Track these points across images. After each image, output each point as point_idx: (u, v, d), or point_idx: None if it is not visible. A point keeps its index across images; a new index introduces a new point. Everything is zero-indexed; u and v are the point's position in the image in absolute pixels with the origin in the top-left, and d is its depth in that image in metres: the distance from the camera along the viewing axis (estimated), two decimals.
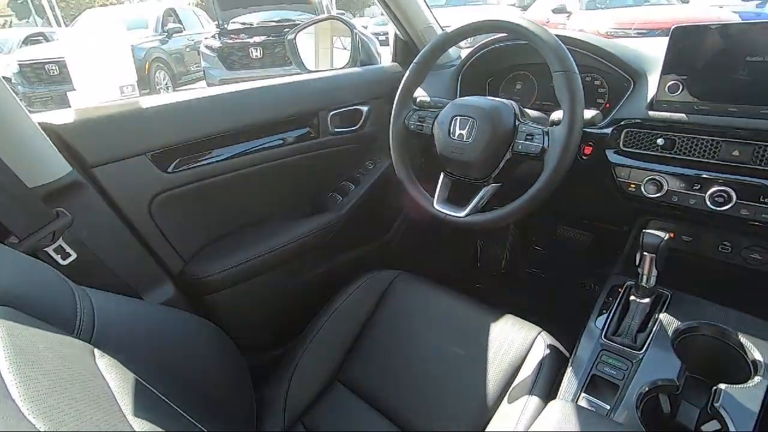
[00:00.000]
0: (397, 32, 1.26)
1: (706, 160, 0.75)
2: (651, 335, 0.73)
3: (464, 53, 1.25)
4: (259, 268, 1.04)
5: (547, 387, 0.75)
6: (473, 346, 0.86)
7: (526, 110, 0.88)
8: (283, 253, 1.06)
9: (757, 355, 0.67)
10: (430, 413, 0.79)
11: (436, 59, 0.94)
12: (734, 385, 0.64)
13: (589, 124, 0.80)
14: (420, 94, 1.03)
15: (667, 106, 0.77)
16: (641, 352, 0.71)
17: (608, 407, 0.67)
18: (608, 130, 0.85)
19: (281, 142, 1.10)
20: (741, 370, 0.67)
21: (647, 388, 0.66)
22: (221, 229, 1.07)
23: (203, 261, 0.99)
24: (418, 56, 0.93)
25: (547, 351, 0.80)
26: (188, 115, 0.95)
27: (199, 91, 1.02)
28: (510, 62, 1.13)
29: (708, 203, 0.74)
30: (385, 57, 1.38)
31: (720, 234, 0.83)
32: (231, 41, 5.50)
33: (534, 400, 0.73)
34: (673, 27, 0.74)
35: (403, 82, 0.96)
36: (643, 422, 0.64)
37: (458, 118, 0.85)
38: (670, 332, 0.72)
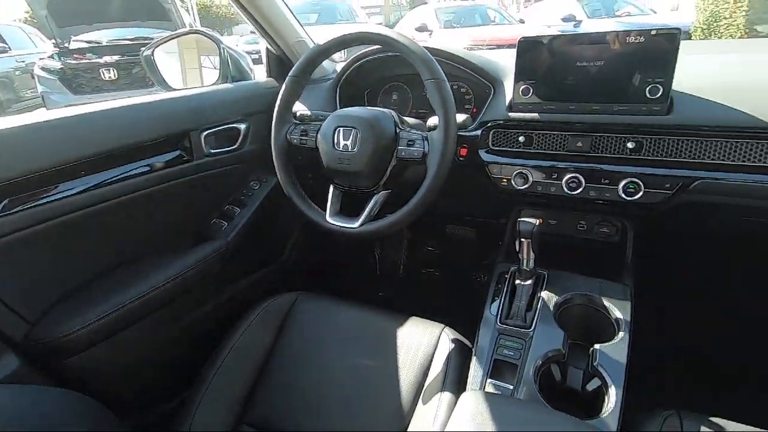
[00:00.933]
0: (269, 47, 1.22)
1: (558, 152, 0.86)
2: (537, 313, 0.81)
3: (339, 67, 1.26)
4: (133, 316, 0.89)
5: (456, 381, 0.78)
6: (383, 355, 0.85)
7: (405, 118, 0.92)
8: (163, 293, 0.94)
9: (618, 314, 0.78)
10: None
11: (312, 72, 0.93)
12: (605, 344, 0.74)
13: (461, 127, 0.86)
14: (300, 108, 1.01)
15: (522, 107, 0.87)
16: (531, 329, 0.78)
17: (511, 387, 0.72)
18: (478, 132, 0.93)
19: (148, 168, 0.97)
20: (609, 329, 0.78)
21: (540, 362, 0.73)
22: (79, 277, 0.90)
23: (57, 319, 0.81)
24: (293, 69, 0.91)
25: (452, 346, 0.83)
26: (21, 144, 0.78)
27: (35, 115, 0.85)
28: (385, 74, 1.18)
29: (565, 189, 0.85)
30: (261, 75, 1.33)
31: (577, 215, 0.97)
32: (75, 62, 4.79)
33: (446, 396, 0.75)
34: (519, 39, 0.85)
35: (280, 96, 0.93)
36: (541, 393, 0.70)
37: (341, 129, 0.85)
38: (551, 307, 0.81)
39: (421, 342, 0.85)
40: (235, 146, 1.14)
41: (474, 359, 0.77)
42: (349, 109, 0.90)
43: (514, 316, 0.81)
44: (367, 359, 0.86)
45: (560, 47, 0.81)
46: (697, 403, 0.70)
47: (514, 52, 0.86)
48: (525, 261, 0.82)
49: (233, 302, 1.16)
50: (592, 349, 0.74)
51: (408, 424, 0.76)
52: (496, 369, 0.75)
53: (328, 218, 0.89)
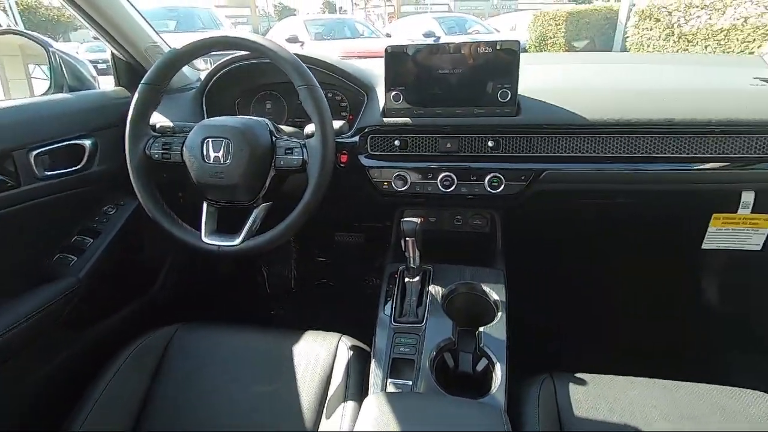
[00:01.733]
0: (115, 53, 1.08)
1: (431, 154, 0.92)
2: (426, 307, 0.84)
3: (204, 75, 1.17)
4: None
5: (358, 387, 0.77)
6: (279, 376, 0.81)
7: (281, 127, 0.89)
8: None
9: (495, 296, 0.86)
10: None
11: (169, 78, 0.84)
12: (488, 325, 0.81)
13: (339, 134, 0.86)
14: (159, 119, 0.91)
15: (395, 113, 0.91)
16: (423, 324, 0.82)
17: (410, 382, 0.74)
18: (356, 138, 0.94)
19: None
20: (490, 311, 0.85)
21: (434, 353, 0.76)
22: None
23: None
24: (146, 76, 0.81)
25: (351, 353, 0.82)
26: None
27: None
28: (257, 82, 1.12)
29: (440, 187, 0.91)
30: (108, 85, 1.16)
31: (453, 211, 1.04)
32: None
33: (350, 405, 0.73)
34: (385, 48, 0.88)
35: (132, 106, 0.82)
36: (438, 382, 0.73)
37: (210, 139, 0.78)
38: (439, 299, 0.85)
39: (319, 355, 0.83)
40: (79, 166, 0.97)
41: (373, 362, 0.78)
42: (218, 118, 0.83)
43: (406, 313, 0.84)
44: (263, 384, 0.81)
45: (423, 56, 0.87)
46: (568, 365, 0.80)
47: (383, 61, 0.90)
48: (411, 259, 0.85)
49: (96, 348, 0.99)
50: (477, 332, 0.80)
51: None
52: (395, 367, 0.77)
53: (203, 238, 0.81)
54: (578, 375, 0.77)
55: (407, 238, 0.82)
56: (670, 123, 0.83)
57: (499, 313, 0.83)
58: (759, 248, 0.96)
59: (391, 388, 0.74)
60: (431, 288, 0.88)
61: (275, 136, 0.82)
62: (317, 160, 0.76)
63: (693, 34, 7.12)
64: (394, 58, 0.88)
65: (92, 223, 1.01)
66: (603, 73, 1.09)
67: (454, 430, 0.55)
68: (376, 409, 0.56)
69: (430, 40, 7.35)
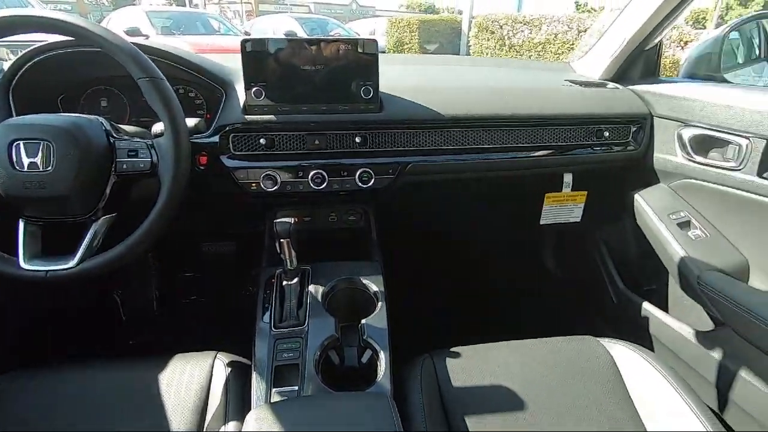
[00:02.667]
0: None
1: (300, 152, 0.90)
2: (307, 308, 0.82)
3: (7, 66, 0.95)
4: None
5: (240, 405, 0.71)
6: (146, 410, 0.70)
7: (121, 126, 0.77)
8: None
9: (374, 288, 0.88)
10: None
11: None
12: (369, 317, 0.82)
13: (195, 132, 0.79)
14: None
15: (258, 110, 0.87)
16: (305, 325, 0.79)
17: (296, 387, 0.71)
18: (216, 138, 0.87)
19: None
20: (371, 303, 0.87)
21: (319, 353, 0.75)
22: None
23: None
24: None
25: (229, 370, 0.76)
26: None
27: None
28: (85, 75, 0.95)
29: (312, 185, 0.89)
30: None
31: (327, 209, 1.04)
32: None
33: (231, 426, 0.68)
34: (241, 40, 0.83)
35: None
36: (326, 382, 0.72)
37: (22, 143, 0.63)
38: (319, 298, 0.84)
39: (191, 379, 0.74)
40: None
41: (254, 375, 0.73)
42: (32, 116, 0.68)
43: (286, 317, 0.81)
44: (126, 424, 0.69)
45: (285, 52, 0.84)
46: (446, 342, 0.86)
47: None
48: (288, 261, 0.82)
49: None
50: (360, 325, 0.81)
51: None
52: (279, 376, 0.73)
53: (23, 264, 0.66)
54: (453, 349, 0.84)
55: (282, 240, 0.79)
56: (511, 117, 0.95)
57: (379, 304, 0.85)
58: (579, 220, 1.17)
59: (275, 398, 0.70)
60: (311, 288, 0.86)
61: (113, 137, 0.70)
62: (169, 161, 0.68)
63: (520, 46, 8.38)
64: (254, 52, 0.83)
65: None
66: (453, 73, 1.20)
67: (342, 425, 0.54)
68: (255, 424, 0.52)
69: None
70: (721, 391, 0.88)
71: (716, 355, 0.88)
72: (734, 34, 1.19)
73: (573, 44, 7.33)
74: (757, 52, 1.31)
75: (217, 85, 0.93)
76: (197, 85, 0.96)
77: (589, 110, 1.00)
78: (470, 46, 9.18)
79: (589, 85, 1.09)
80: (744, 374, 0.83)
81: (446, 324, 1.26)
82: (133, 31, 5.34)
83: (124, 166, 0.69)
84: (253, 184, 0.89)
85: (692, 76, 1.10)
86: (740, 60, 1.28)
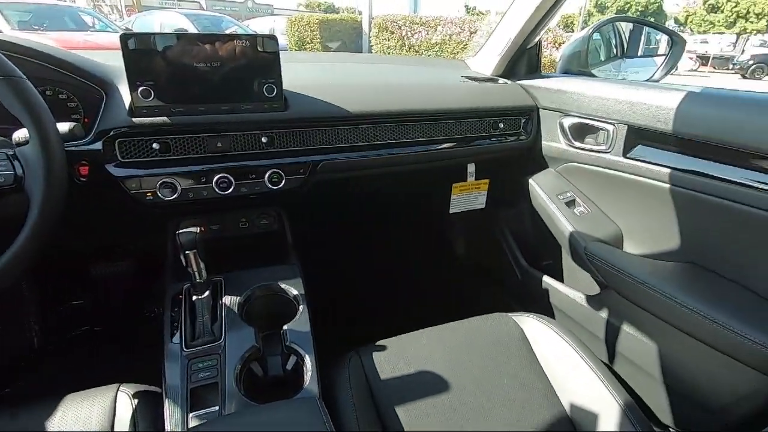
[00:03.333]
0: None
1: (201, 155, 0.83)
2: (223, 321, 0.77)
3: None
4: None
5: None
6: None
7: None
8: None
9: (294, 291, 0.85)
10: None
11: None
12: (291, 322, 0.80)
13: (70, 139, 0.69)
14: None
15: (147, 112, 0.79)
16: (222, 340, 0.74)
17: (217, 407, 0.66)
18: (99, 145, 0.77)
19: None
20: (292, 307, 0.84)
21: (239, 366, 0.71)
22: None
23: None
24: None
25: (136, 401, 0.68)
26: None
27: None
28: None
29: (217, 191, 0.83)
30: None
31: (237, 214, 0.98)
32: None
33: None
34: (120, 35, 0.74)
35: None
36: (250, 396, 0.68)
37: None
38: (235, 309, 0.79)
39: (90, 418, 0.65)
40: None
41: (166, 402, 0.66)
42: None
43: (200, 334, 0.75)
44: None
45: (174, 48, 0.77)
46: (372, 336, 0.87)
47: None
48: (196, 274, 0.76)
49: None
50: (282, 331, 0.78)
51: None
52: (196, 398, 0.67)
53: None
54: (378, 343, 0.85)
55: (187, 252, 0.73)
56: (415, 112, 0.99)
57: (301, 307, 0.83)
58: (483, 206, 1.26)
59: (194, 423, 0.64)
60: (225, 300, 0.81)
61: None
62: (39, 172, 0.59)
63: (419, 45, 8.75)
64: (135, 47, 0.75)
65: None
66: (358, 70, 1.21)
67: None
68: None
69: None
70: (609, 344, 1.01)
71: (603, 314, 1.01)
72: (596, 35, 1.37)
73: (467, 44, 7.85)
74: (615, 50, 1.53)
75: (95, 85, 0.83)
76: (69, 85, 0.84)
77: (485, 104, 1.08)
78: (372, 45, 9.35)
79: (483, 81, 1.18)
80: (625, 328, 0.96)
81: (370, 319, 1.27)
82: None
83: None
84: (149, 194, 0.80)
85: (567, 71, 1.24)
86: (602, 57, 1.48)
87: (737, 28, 23.21)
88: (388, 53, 8.91)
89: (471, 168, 1.16)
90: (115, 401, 0.68)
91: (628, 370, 0.98)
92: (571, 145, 1.09)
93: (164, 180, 0.80)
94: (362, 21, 10.49)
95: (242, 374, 0.71)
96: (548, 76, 1.19)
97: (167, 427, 0.64)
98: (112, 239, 1.09)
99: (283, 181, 0.88)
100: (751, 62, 17.16)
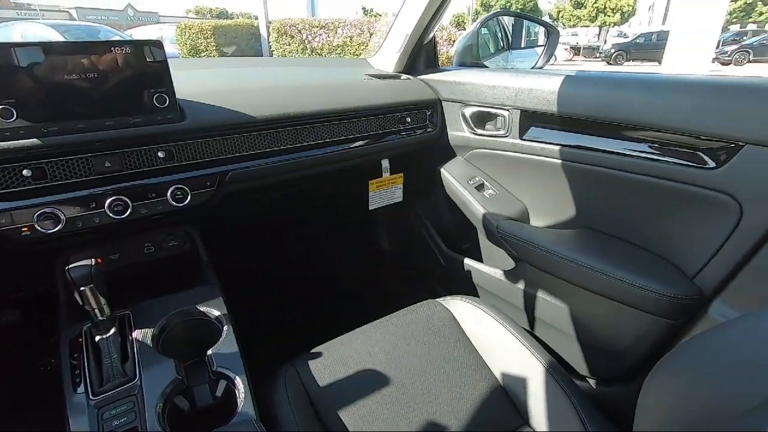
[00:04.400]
0: None
1: (87, 178, 0.74)
2: (136, 358, 0.70)
3: None
4: None
5: None
6: None
7: None
8: None
9: (216, 312, 0.80)
10: None
11: None
12: (216, 344, 0.74)
13: None
14: None
15: (11, 134, 0.68)
16: (137, 378, 0.67)
17: None
18: None
19: None
20: (215, 330, 0.78)
21: (161, 404, 0.64)
22: None
23: None
24: None
25: None
26: None
27: None
28: None
29: (111, 216, 0.75)
30: None
31: (140, 239, 0.89)
32: None
33: None
34: None
35: None
36: None
37: None
38: (149, 342, 0.72)
39: None
40: None
41: None
42: None
43: (109, 378, 0.66)
44: None
45: (38, 60, 0.67)
46: (306, 347, 0.84)
47: None
48: (96, 311, 0.67)
49: None
50: (206, 357, 0.72)
51: None
52: None
53: None
54: (314, 350, 0.83)
55: (82, 288, 0.64)
56: (321, 113, 0.97)
57: (225, 327, 0.78)
58: (401, 199, 1.29)
59: None
60: (136, 334, 0.73)
61: None
62: None
63: (321, 48, 8.71)
64: None
65: None
66: (256, 74, 1.16)
67: None
68: None
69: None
70: (529, 313, 1.10)
71: (520, 286, 1.09)
72: (484, 30, 1.47)
73: (368, 45, 7.99)
74: (501, 43, 1.66)
75: None
76: None
77: (391, 100, 1.10)
78: (272, 50, 9.11)
79: (386, 78, 1.20)
80: (541, 295, 1.05)
81: (302, 328, 1.23)
82: None
83: None
84: (24, 229, 0.69)
85: (462, 64, 1.31)
86: (492, 50, 1.59)
87: (599, 21, 26.62)
88: (290, 57, 8.74)
89: (385, 163, 1.18)
90: None
91: (548, 333, 1.07)
92: (473, 133, 1.16)
93: (43, 210, 0.70)
94: (259, 25, 10.17)
95: (165, 412, 0.64)
96: (446, 70, 1.25)
97: None
98: None
99: (189, 197, 0.82)
100: (612, 50, 19.79)
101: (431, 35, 1.24)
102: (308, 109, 0.96)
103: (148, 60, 0.75)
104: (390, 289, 1.58)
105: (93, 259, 0.66)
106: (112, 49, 0.72)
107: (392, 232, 1.62)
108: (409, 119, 1.14)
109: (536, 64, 1.52)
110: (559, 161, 0.98)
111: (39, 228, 0.70)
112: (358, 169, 1.15)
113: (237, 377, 0.70)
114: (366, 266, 1.63)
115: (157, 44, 0.77)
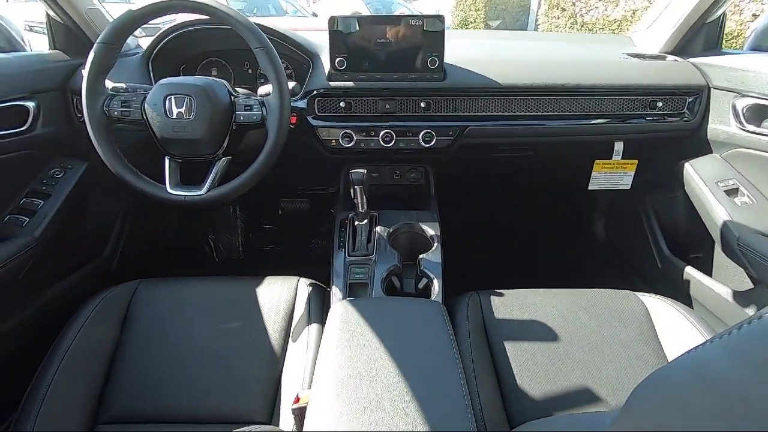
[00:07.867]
0: (53, 15, 1.06)
1: (373, 114, 1.05)
2: (375, 243, 0.99)
3: (143, 42, 1.19)
4: None
5: (320, 315, 0.88)
6: (245, 314, 0.89)
7: (235, 88, 0.97)
8: None
9: (431, 232, 1.03)
10: (222, 393, 0.78)
11: (125, 39, 0.88)
12: (426, 253, 0.97)
13: (292, 94, 0.96)
14: (108, 82, 0.94)
15: (339, 78, 1.03)
16: (373, 256, 0.96)
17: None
18: (304, 102, 1.04)
19: None
20: (428, 244, 1.02)
21: (384, 275, 0.91)
22: None
23: None
24: (101, 35, 0.84)
25: (311, 289, 0.93)
26: None
27: None
28: (201, 49, 1.17)
29: (382, 143, 1.05)
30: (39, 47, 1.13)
31: (392, 167, 1.19)
32: None
33: (314, 329, 0.85)
34: (329, 17, 0.99)
35: (89, 65, 0.85)
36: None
37: (173, 97, 0.84)
38: (385, 237, 1.00)
39: (281, 295, 0.92)
40: (24, 128, 0.97)
41: (333, 287, 0.91)
42: (179, 77, 0.89)
43: (358, 249, 0.98)
44: (229, 323, 0.88)
45: (364, 27, 0.99)
46: (491, 283, 0.98)
47: (321, 34, 1.00)
48: (360, 205, 0.98)
49: (56, 307, 1.01)
50: (418, 259, 0.96)
51: (282, 367, 0.83)
52: (352, 290, 0.91)
53: (169, 190, 0.87)
54: (497, 291, 0.96)
55: (356, 186, 0.95)
56: (563, 87, 1.04)
57: (435, 244, 1.00)
58: (628, 188, 1.23)
59: None
60: (378, 229, 1.02)
61: (233, 95, 0.90)
62: (276, 115, 0.86)
63: (593, 23, 7.90)
64: (338, 26, 0.99)
65: (40, 186, 1.01)
66: (513, 47, 1.29)
67: (406, 316, 0.70)
68: (342, 308, 0.69)
69: None
70: None
71: (749, 311, 0.93)
72: None
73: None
74: None
75: (306, 57, 1.11)
76: (289, 57, 1.14)
77: (641, 81, 1.06)
78: (539, 24, 8.80)
79: (646, 58, 1.14)
80: None
81: (494, 270, 1.38)
82: None
83: (242, 118, 0.88)
84: (333, 141, 1.06)
85: (757, 48, 1.11)
86: None
87: None
88: (557, 31, 8.27)
89: (618, 146, 1.15)
90: (297, 287, 0.95)
91: None
92: (743, 129, 1.00)
93: (345, 131, 1.05)
94: None
95: (385, 282, 0.91)
96: (729, 53, 1.09)
97: (332, 302, 0.88)
98: (299, 180, 1.42)
99: (434, 141, 1.05)
100: None
101: (720, 12, 1.08)
102: (547, 81, 1.03)
103: (430, 31, 0.99)
104: (587, 268, 1.55)
105: (364, 170, 0.96)
106: (408, 21, 0.99)
107: (608, 216, 1.54)
108: (660, 104, 1.07)
109: None
110: None
111: (340, 142, 1.05)
112: (585, 146, 1.16)
113: (435, 280, 0.91)
114: (569, 238, 1.64)
115: (440, 19, 0.99)
